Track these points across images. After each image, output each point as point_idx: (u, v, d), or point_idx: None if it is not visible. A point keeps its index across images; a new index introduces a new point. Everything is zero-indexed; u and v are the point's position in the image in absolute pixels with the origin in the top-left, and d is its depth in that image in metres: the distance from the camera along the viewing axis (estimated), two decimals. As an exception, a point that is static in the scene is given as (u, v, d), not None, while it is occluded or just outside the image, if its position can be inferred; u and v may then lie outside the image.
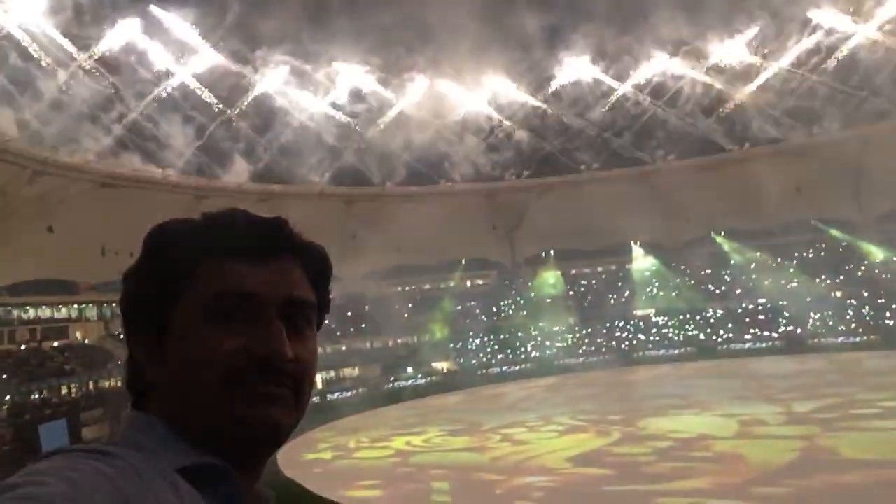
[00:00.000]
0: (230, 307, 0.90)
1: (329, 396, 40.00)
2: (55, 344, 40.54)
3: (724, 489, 14.72)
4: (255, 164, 52.80)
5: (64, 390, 36.18)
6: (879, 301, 44.62)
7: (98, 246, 42.76)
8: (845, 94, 51.62)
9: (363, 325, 49.98)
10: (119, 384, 36.00)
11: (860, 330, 43.34)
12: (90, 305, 44.38)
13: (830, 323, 44.75)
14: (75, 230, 40.70)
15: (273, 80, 52.82)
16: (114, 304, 44.23)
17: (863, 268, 48.79)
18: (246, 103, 52.55)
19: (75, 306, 44.08)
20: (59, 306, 43.17)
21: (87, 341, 42.40)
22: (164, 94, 48.70)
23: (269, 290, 0.92)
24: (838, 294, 47.00)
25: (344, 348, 46.90)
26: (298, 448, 25.07)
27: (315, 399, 39.57)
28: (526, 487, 16.85)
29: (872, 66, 49.94)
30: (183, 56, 49.39)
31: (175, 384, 0.90)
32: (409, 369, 46.35)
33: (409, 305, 53.26)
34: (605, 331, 51.49)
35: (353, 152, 56.19)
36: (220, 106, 51.46)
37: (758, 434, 20.13)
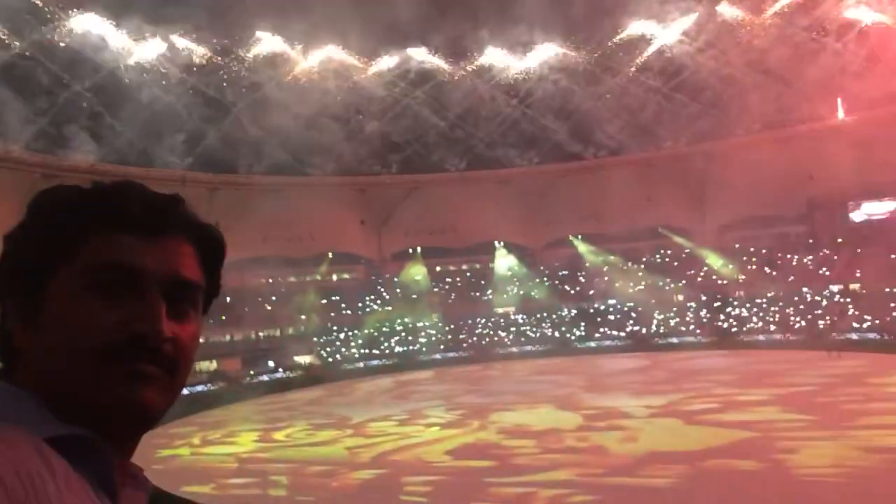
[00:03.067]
0: (113, 280, 0.87)
1: (185, 390, 38.37)
2: None
3: (587, 480, 15.65)
4: (108, 144, 49.70)
5: None
6: (716, 304, 48.65)
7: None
8: (677, 107, 56.18)
9: (223, 317, 48.33)
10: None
11: (699, 331, 47.09)
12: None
13: (672, 324, 48.42)
14: None
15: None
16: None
17: (702, 273, 52.87)
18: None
19: None
20: None
21: None
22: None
23: (156, 267, 0.89)
24: (680, 297, 50.67)
25: (202, 340, 44.97)
26: (153, 444, 24.02)
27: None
28: (397, 480, 17.12)
29: (701, 83, 54.75)
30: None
31: (46, 353, 0.86)
32: (271, 363, 45.46)
33: (273, 298, 52.12)
34: (467, 327, 52.80)
35: (217, 135, 54.26)
36: (66, 78, 48.02)
37: (601, 427, 21.48)
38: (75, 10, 48.09)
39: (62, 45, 47.54)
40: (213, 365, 43.96)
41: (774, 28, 52.12)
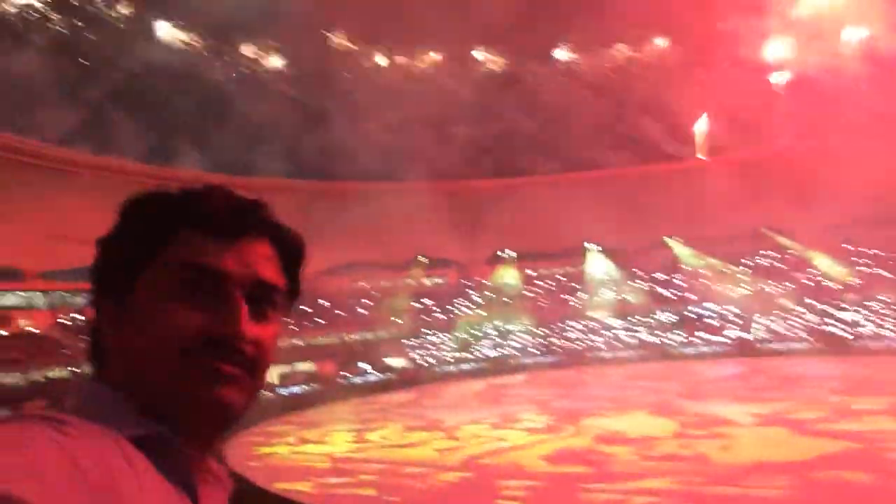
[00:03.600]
0: (196, 281, 0.90)
1: (283, 391, 39.67)
2: (0, 332, 39.40)
3: (686, 488, 15.09)
4: (212, 155, 52.15)
5: (8, 379, 35.22)
6: (825, 308, 46.05)
7: (48, 233, 41.78)
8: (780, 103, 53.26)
9: (319, 320, 49.67)
10: (65, 375, 35.20)
11: (806, 336, 44.67)
12: (38, 293, 43.25)
13: (777, 329, 46.14)
14: (25, 216, 39.67)
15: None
16: (63, 293, 43.28)
17: (810, 276, 50.18)
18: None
19: (22, 294, 42.91)
20: (5, 293, 41.97)
21: (33, 330, 41.31)
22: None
23: (238, 269, 0.92)
24: (786, 301, 48.27)
25: (299, 343, 46.53)
26: (251, 441, 24.86)
27: (269, 394, 39.31)
28: (491, 483, 17.03)
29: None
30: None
31: (131, 353, 0.90)
32: (365, 365, 46.23)
33: (367, 301, 53.13)
34: (559, 331, 52.09)
35: (314, 143, 55.88)
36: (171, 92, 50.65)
37: (700, 435, 20.64)
38: (171, 24, 50.45)
39: (163, 61, 50.03)
40: (310, 366, 45.12)
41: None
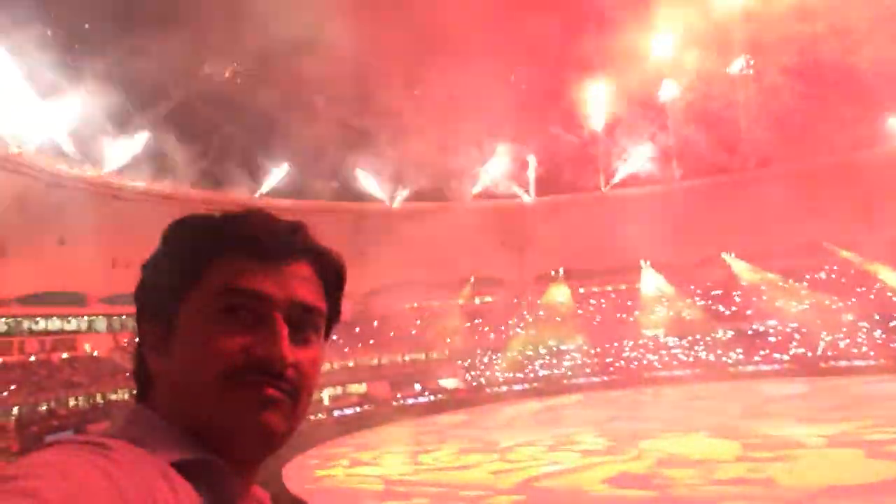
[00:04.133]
0: (238, 305, 0.89)
1: (336, 412, 39.81)
2: (64, 356, 40.61)
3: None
4: (263, 178, 53.30)
5: (72, 402, 36.24)
6: (892, 324, 44.19)
7: (109, 259, 43.02)
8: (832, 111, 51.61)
9: (371, 341, 49.83)
10: (127, 397, 36.02)
11: (872, 353, 42.91)
12: (100, 318, 44.49)
13: (842, 346, 44.42)
14: (89, 243, 40.95)
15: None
16: (123, 317, 44.41)
17: (875, 290, 48.31)
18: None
19: (85, 318, 44.19)
20: (69, 318, 43.30)
21: (95, 353, 42.46)
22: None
23: (279, 293, 0.91)
24: (850, 317, 46.54)
25: (351, 364, 46.72)
26: (309, 464, 24.93)
27: (321, 415, 39.50)
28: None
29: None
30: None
31: (175, 377, 0.89)
32: (418, 386, 46.14)
33: (418, 322, 53.11)
34: (614, 350, 51.16)
35: (364, 166, 56.53)
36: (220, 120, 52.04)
37: (766, 457, 19.87)
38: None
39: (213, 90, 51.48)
40: (362, 388, 45.21)
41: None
